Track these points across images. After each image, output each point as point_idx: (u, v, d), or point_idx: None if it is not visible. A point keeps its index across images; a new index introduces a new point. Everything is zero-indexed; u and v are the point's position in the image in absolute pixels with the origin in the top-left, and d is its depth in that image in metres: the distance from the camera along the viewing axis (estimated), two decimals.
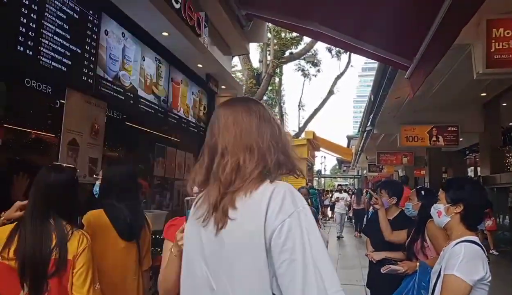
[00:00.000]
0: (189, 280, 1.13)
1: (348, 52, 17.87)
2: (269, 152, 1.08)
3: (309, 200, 9.35)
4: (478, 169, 12.06)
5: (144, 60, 3.99)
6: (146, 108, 4.06)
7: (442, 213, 2.02)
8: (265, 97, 16.00)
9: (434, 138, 9.73)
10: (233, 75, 7.86)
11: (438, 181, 12.16)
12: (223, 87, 5.85)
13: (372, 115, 10.48)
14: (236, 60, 14.43)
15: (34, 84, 2.75)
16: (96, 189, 2.37)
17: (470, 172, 14.69)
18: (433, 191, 3.49)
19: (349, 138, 26.57)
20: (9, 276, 1.58)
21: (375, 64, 8.44)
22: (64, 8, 2.87)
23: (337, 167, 44.23)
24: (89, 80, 3.13)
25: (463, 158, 14.49)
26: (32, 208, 1.65)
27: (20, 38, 2.50)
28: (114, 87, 3.48)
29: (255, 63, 14.96)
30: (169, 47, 4.35)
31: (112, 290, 2.01)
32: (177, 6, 4.05)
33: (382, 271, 2.86)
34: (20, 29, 2.50)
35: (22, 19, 2.51)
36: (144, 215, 2.42)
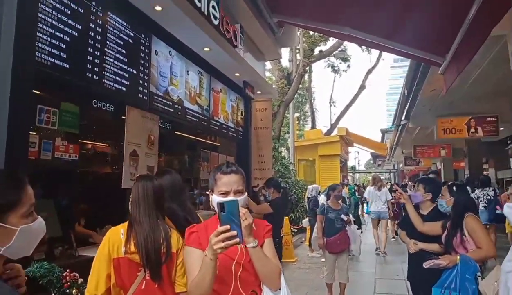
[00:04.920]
0: None
1: None
2: None
3: (346, 199, 9.46)
4: None
5: (188, 74, 4.34)
6: (191, 118, 4.41)
7: None
8: (295, 95, 16.11)
9: (472, 130, 9.51)
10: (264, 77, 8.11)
11: (479, 172, 11.84)
12: (258, 92, 6.13)
13: (406, 109, 10.40)
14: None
15: (100, 104, 3.15)
16: None
17: None
18: (464, 186, 3.57)
19: (383, 132, 26.12)
20: (129, 267, 1.93)
21: None
22: (122, 35, 3.25)
23: (372, 161, 43.48)
24: (144, 97, 3.50)
25: (505, 148, 13.97)
26: (146, 210, 1.99)
27: (88, 66, 2.88)
28: (165, 101, 3.85)
29: (285, 62, 15.16)
30: (209, 60, 4.69)
31: None
32: (216, 22, 4.37)
33: (425, 266, 2.96)
34: (88, 58, 2.89)
35: (89, 49, 2.90)
36: (196, 213, 2.72)
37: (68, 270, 2.31)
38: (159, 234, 1.95)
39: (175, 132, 4.64)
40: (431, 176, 7.77)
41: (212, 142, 5.80)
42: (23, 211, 1.11)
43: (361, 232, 8.78)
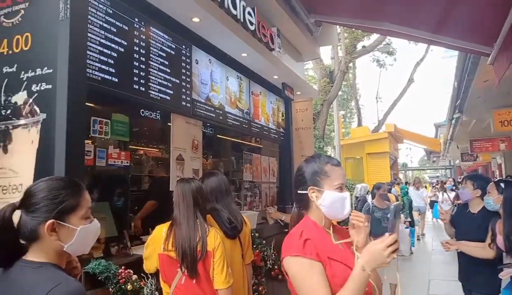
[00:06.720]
0: None
1: None
2: None
3: (398, 198, 9.12)
4: None
5: (228, 80, 4.50)
6: (233, 121, 4.57)
7: None
8: (339, 92, 15.83)
9: None
10: (305, 73, 8.05)
11: None
12: (298, 93, 6.16)
13: (458, 102, 9.85)
14: None
15: (147, 113, 3.39)
16: None
17: None
18: None
19: (437, 126, 24.76)
20: (169, 263, 2.13)
21: None
22: (164, 47, 3.47)
23: (425, 157, 41.44)
24: (187, 104, 3.70)
25: None
26: (185, 210, 2.17)
27: (135, 79, 3.12)
28: (207, 107, 4.04)
29: (326, 60, 14.96)
30: (247, 65, 4.82)
31: None
32: (252, 28, 4.49)
33: (501, 277, 2.68)
34: (135, 71, 3.12)
35: (135, 63, 3.13)
36: (241, 214, 2.82)
37: (123, 267, 2.50)
38: (196, 234, 2.11)
39: (218, 136, 4.83)
40: None
41: (254, 144, 5.94)
42: (82, 213, 1.28)
43: (411, 233, 8.49)
